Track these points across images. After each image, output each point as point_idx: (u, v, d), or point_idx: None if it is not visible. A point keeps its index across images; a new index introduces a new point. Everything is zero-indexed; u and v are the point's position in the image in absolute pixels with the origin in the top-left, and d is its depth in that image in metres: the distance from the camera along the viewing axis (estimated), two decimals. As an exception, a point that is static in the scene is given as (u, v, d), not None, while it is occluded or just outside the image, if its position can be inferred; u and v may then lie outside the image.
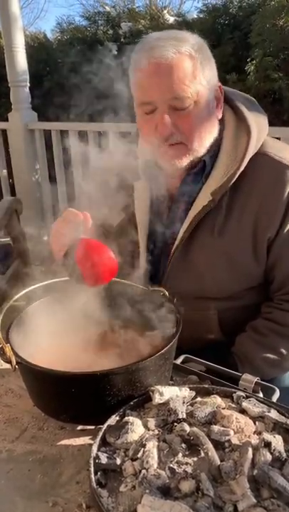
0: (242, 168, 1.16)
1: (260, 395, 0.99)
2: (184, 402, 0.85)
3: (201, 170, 1.22)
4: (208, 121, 1.17)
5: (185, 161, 1.17)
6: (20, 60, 3.68)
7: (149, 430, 0.81)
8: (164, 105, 1.10)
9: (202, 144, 1.17)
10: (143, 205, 1.30)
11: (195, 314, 1.27)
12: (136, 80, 1.15)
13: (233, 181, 1.17)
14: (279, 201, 1.16)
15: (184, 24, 3.56)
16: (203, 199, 1.20)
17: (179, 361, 1.10)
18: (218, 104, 1.19)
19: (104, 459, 0.76)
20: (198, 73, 1.11)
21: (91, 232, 1.08)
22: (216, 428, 0.79)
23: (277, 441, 0.76)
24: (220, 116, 1.21)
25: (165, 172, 1.28)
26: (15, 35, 3.60)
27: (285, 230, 1.19)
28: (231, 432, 0.78)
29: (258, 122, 1.21)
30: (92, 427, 0.94)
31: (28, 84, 3.79)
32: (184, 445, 0.77)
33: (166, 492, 0.69)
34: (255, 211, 1.18)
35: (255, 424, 0.82)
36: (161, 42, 1.10)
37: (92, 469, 0.73)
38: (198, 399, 0.89)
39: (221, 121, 1.22)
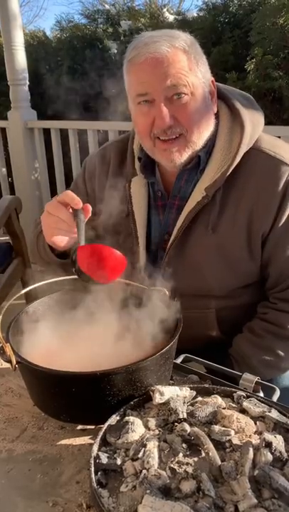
0: (235, 164, 1.17)
1: (261, 394, 0.98)
2: (184, 402, 0.85)
3: (195, 165, 1.22)
4: (206, 114, 1.17)
5: (185, 156, 1.17)
6: (20, 58, 3.66)
7: (149, 430, 0.81)
8: (161, 96, 1.11)
9: (200, 136, 1.17)
10: (141, 201, 1.30)
11: (193, 313, 1.27)
12: (131, 74, 1.16)
13: (226, 177, 1.17)
14: (273, 196, 1.16)
15: (184, 22, 3.55)
16: (197, 195, 1.20)
17: (179, 360, 1.10)
18: (212, 98, 1.20)
19: (104, 458, 0.75)
20: (192, 66, 1.12)
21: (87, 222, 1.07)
22: (216, 428, 0.79)
23: (278, 441, 0.76)
24: (215, 110, 1.22)
25: (162, 168, 1.28)
26: (14, 33, 3.59)
27: (279, 226, 1.18)
28: (232, 432, 0.78)
29: (252, 118, 1.21)
30: (93, 427, 0.94)
31: (28, 83, 3.79)
32: (184, 445, 0.77)
33: (167, 492, 0.69)
34: (250, 206, 1.18)
35: (255, 424, 0.82)
36: (155, 38, 1.11)
37: (92, 469, 0.73)
38: (199, 399, 0.89)
39: (216, 117, 1.23)
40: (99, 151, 1.44)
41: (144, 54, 1.10)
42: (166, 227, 1.29)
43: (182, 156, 1.17)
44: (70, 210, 1.07)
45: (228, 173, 1.17)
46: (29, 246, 1.38)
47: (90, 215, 1.07)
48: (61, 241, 1.11)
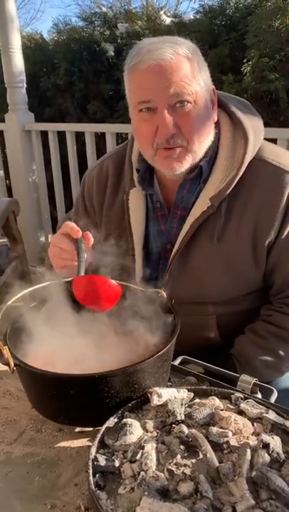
0: (241, 174, 1.16)
1: (259, 396, 0.99)
2: (182, 404, 0.85)
3: (198, 175, 1.22)
4: (207, 123, 1.17)
5: (185, 165, 1.17)
6: (17, 60, 3.67)
7: (147, 432, 0.81)
8: (165, 104, 1.10)
9: (201, 146, 1.16)
10: (138, 213, 1.30)
11: (194, 319, 1.27)
12: (134, 81, 1.14)
13: (232, 187, 1.17)
14: (277, 206, 1.16)
15: (181, 25, 3.56)
16: (202, 205, 1.19)
17: (176, 362, 1.10)
18: (212, 106, 1.20)
19: (102, 461, 0.75)
20: (196, 74, 1.11)
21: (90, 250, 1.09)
22: (214, 429, 0.79)
23: (275, 442, 0.76)
24: (216, 119, 1.21)
25: (162, 178, 1.28)
26: (11, 35, 3.59)
27: (284, 235, 1.19)
28: (230, 434, 0.78)
29: (253, 126, 1.21)
30: (91, 429, 0.94)
31: (25, 85, 3.79)
32: (182, 447, 0.77)
33: (164, 494, 0.69)
34: (254, 216, 1.18)
35: (253, 425, 0.82)
36: (158, 45, 1.10)
37: (90, 471, 0.73)
38: (197, 400, 0.89)
39: (216, 125, 1.22)
40: (97, 165, 1.44)
41: (147, 60, 1.08)
42: (168, 236, 1.29)
43: (182, 164, 1.16)
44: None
45: (234, 184, 1.17)
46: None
47: (91, 242, 1.08)
48: (70, 274, 1.12)
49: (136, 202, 1.29)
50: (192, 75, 1.10)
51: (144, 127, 1.15)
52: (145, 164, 1.26)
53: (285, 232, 1.18)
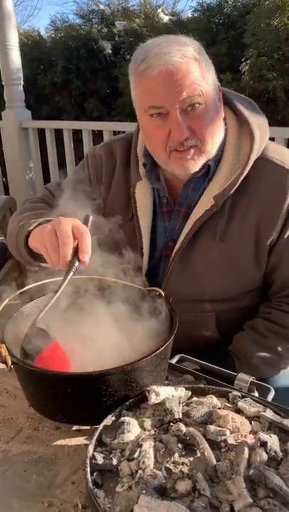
0: (245, 173, 1.16)
1: (256, 394, 0.99)
2: (179, 402, 0.85)
3: (204, 174, 1.21)
4: (217, 121, 1.16)
5: (199, 164, 1.16)
6: (14, 58, 3.66)
7: (145, 430, 0.81)
8: (177, 108, 1.08)
9: (214, 145, 1.16)
10: (146, 206, 1.29)
11: (193, 316, 1.27)
12: (143, 85, 1.12)
13: (236, 186, 1.16)
14: (281, 206, 1.16)
15: (179, 23, 3.56)
16: (205, 203, 1.19)
17: (174, 361, 1.10)
18: (219, 103, 1.19)
19: (100, 459, 0.75)
20: (204, 74, 1.10)
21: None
22: (212, 428, 0.79)
23: (273, 440, 0.76)
24: (223, 115, 1.21)
25: (167, 176, 1.27)
26: (9, 33, 3.59)
27: (287, 235, 1.19)
28: (227, 432, 0.78)
29: (259, 125, 1.20)
30: (88, 427, 0.94)
31: (22, 83, 3.78)
32: (180, 445, 0.77)
33: (162, 492, 0.69)
34: (257, 216, 1.18)
35: (251, 423, 0.83)
36: (165, 49, 1.08)
37: (88, 469, 0.73)
38: (194, 399, 0.89)
39: (223, 123, 1.21)
40: (104, 145, 1.40)
41: (157, 66, 1.06)
42: (171, 233, 1.29)
43: (196, 164, 1.15)
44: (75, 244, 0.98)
45: (238, 183, 1.16)
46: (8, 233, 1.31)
47: (86, 263, 0.98)
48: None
49: (143, 193, 1.28)
50: (201, 75, 1.09)
51: (156, 133, 1.14)
52: (150, 159, 1.25)
53: (288, 232, 1.18)
